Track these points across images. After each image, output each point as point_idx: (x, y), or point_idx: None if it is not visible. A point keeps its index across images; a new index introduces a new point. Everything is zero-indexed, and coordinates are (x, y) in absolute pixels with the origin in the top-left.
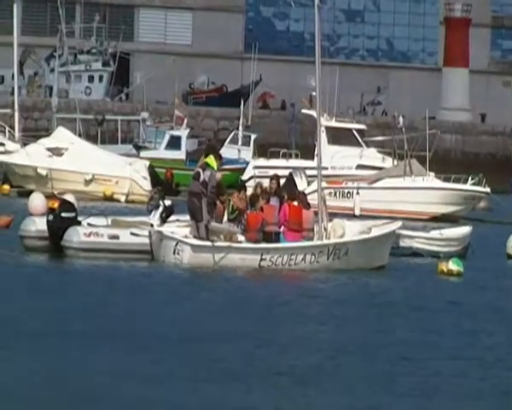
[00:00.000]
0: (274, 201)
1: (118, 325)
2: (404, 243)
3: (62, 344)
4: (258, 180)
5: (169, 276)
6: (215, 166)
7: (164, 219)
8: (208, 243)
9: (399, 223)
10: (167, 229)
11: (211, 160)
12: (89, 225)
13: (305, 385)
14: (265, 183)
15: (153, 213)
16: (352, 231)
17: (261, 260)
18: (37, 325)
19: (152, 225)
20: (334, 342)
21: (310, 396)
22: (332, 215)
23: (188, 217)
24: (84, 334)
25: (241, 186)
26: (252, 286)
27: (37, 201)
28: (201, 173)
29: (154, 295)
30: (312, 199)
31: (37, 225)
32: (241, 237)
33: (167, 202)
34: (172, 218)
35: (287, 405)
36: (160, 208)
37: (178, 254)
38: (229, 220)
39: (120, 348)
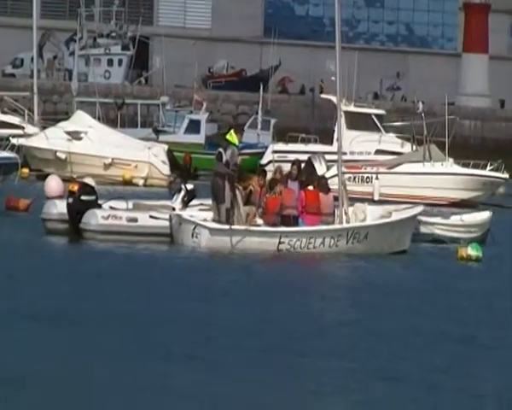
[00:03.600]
0: (293, 185)
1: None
2: (425, 229)
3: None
4: (277, 165)
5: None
6: (236, 141)
7: (186, 203)
8: (226, 227)
9: (421, 208)
10: (187, 212)
11: (231, 136)
12: (110, 208)
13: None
14: (285, 167)
15: (175, 196)
16: (373, 215)
17: (279, 243)
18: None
19: (174, 209)
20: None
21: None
22: (352, 200)
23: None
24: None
25: (261, 171)
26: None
27: (52, 183)
28: (223, 154)
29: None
30: (332, 184)
31: (59, 208)
32: (259, 221)
33: (189, 186)
34: (196, 202)
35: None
36: (182, 192)
37: (196, 237)
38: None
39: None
